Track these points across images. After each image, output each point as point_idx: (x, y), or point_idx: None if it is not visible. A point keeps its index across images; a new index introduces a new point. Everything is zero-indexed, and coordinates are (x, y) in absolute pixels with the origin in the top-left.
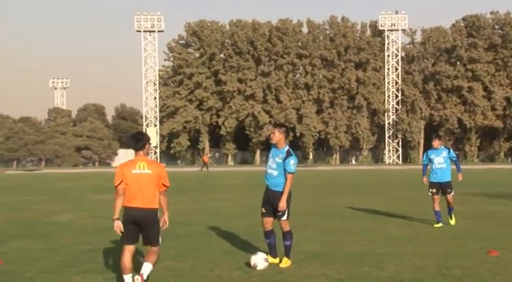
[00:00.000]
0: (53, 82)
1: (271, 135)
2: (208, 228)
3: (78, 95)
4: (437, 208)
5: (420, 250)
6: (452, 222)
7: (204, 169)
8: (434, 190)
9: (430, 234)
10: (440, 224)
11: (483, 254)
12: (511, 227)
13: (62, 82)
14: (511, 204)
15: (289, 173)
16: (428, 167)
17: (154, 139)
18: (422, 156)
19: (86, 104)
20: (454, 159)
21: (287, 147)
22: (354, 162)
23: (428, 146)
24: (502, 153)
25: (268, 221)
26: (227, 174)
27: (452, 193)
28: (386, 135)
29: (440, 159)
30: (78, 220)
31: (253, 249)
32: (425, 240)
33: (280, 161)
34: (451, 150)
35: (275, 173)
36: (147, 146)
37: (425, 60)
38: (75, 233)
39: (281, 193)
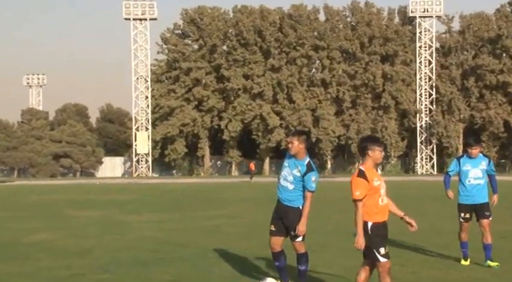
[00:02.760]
0: (28, 79)
1: (289, 146)
2: (208, 250)
3: (57, 93)
4: (465, 238)
5: (462, 276)
6: (494, 264)
7: (253, 179)
8: (467, 215)
9: (473, 258)
10: (468, 261)
11: None
12: None
13: (38, 79)
14: None
15: (309, 191)
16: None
17: (146, 145)
18: (450, 163)
19: (65, 104)
20: (493, 173)
21: (307, 159)
22: (379, 171)
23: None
24: None
25: (278, 241)
26: (230, 186)
27: (491, 218)
28: (418, 140)
29: (478, 172)
30: (58, 240)
31: (260, 274)
32: (466, 266)
33: (298, 174)
34: (491, 162)
35: (291, 186)
36: None
37: (465, 52)
38: (55, 255)
39: (296, 210)
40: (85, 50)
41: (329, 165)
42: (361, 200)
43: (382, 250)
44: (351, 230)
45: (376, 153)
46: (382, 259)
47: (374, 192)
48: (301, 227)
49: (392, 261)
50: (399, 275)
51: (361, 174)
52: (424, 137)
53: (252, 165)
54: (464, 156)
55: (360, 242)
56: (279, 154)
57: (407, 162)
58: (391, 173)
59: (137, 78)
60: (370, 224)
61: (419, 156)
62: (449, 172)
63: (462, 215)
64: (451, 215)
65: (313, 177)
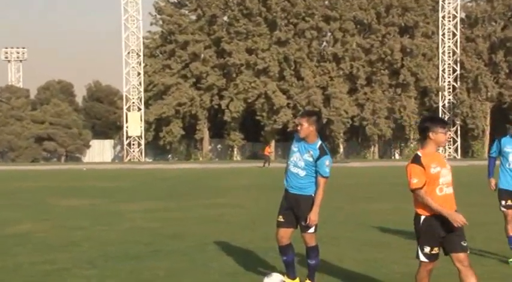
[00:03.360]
0: (6, 53)
1: (298, 128)
2: (207, 243)
3: (39, 69)
4: (511, 231)
5: (486, 270)
6: None
7: (266, 164)
8: (509, 202)
9: (500, 250)
10: None
11: None
12: None
13: (18, 53)
14: None
15: (323, 177)
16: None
17: (138, 127)
18: (491, 146)
19: (48, 82)
20: None
21: (319, 142)
22: (397, 156)
23: (498, 134)
24: None
25: (286, 233)
26: (232, 172)
27: None
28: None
29: None
30: (40, 232)
31: (265, 269)
32: (493, 258)
33: (310, 159)
34: None
35: (302, 173)
36: None
37: (493, 23)
38: (37, 249)
39: (308, 198)
40: (70, 21)
41: (341, 149)
42: (421, 188)
43: (427, 249)
44: (363, 220)
45: (439, 136)
46: (422, 258)
47: (431, 181)
48: (313, 217)
49: (410, 254)
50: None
51: (416, 160)
52: (447, 117)
53: (268, 149)
54: (508, 135)
55: (458, 218)
56: (286, 137)
57: None
58: (410, 157)
59: (128, 53)
60: (422, 218)
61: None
62: (492, 154)
63: (503, 202)
64: (478, 204)
65: (327, 161)
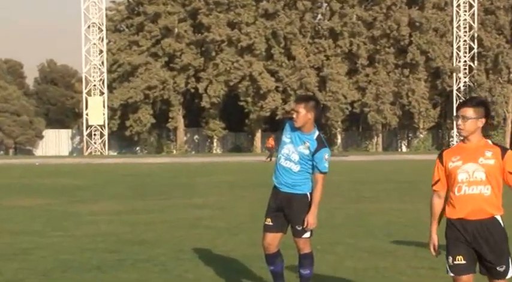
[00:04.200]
0: None
1: (294, 115)
2: (182, 250)
3: None
4: None
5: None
6: None
7: (268, 159)
8: None
9: None
10: None
11: None
12: None
13: None
14: None
15: (321, 173)
16: None
17: (101, 115)
18: None
19: None
20: None
21: (317, 132)
22: (404, 148)
23: None
24: None
25: (274, 239)
26: (212, 168)
27: None
28: (455, 107)
29: None
30: None
31: (249, 281)
32: None
33: (306, 152)
34: None
35: (296, 168)
36: None
37: None
38: None
39: (302, 197)
40: None
41: (339, 141)
42: (434, 187)
43: (450, 259)
44: (364, 223)
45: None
46: (449, 272)
47: (450, 178)
48: (311, 219)
49: (419, 263)
50: (428, 280)
51: (440, 154)
52: None
53: (271, 141)
54: None
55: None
56: (274, 126)
57: (440, 135)
58: (419, 150)
59: (88, 27)
60: (447, 221)
61: (455, 129)
62: None
63: None
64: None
65: (326, 154)
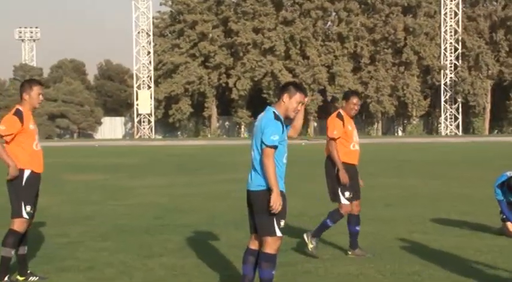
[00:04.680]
0: (20, 32)
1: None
2: (215, 217)
3: (52, 48)
4: None
5: (485, 243)
6: None
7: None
8: None
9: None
10: None
11: None
12: None
13: (31, 32)
14: None
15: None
16: None
17: (148, 105)
18: (495, 190)
19: (61, 60)
20: None
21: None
22: (400, 133)
23: (496, 116)
24: None
25: None
26: (240, 149)
27: None
28: (443, 99)
29: None
30: (54, 206)
31: None
32: (492, 233)
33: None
34: None
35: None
36: None
37: (494, 2)
38: (50, 223)
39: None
40: (82, 3)
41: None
42: None
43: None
44: (367, 194)
45: None
46: None
47: None
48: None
49: (413, 228)
50: (420, 243)
51: None
52: (448, 95)
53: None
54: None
55: None
56: None
57: (430, 122)
58: (412, 134)
59: (138, 32)
60: None
61: (443, 116)
62: (498, 198)
63: None
64: (478, 179)
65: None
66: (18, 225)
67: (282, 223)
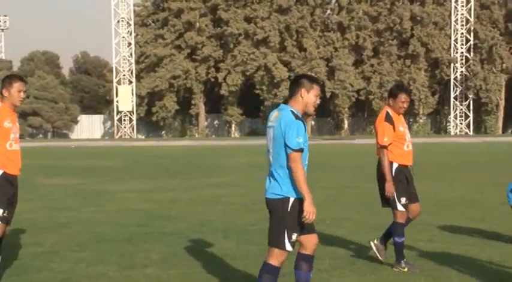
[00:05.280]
0: None
1: (406, 105)
2: (204, 224)
3: (22, 39)
4: None
5: (498, 252)
6: None
7: None
8: None
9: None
10: None
11: None
12: None
13: None
14: None
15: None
16: None
17: (129, 102)
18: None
19: (32, 52)
20: None
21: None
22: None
23: (511, 114)
24: None
25: None
26: (230, 150)
27: None
28: (452, 95)
29: None
30: (27, 212)
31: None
32: (504, 241)
33: None
34: None
35: None
36: None
37: None
38: (24, 230)
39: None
40: None
41: (346, 125)
42: None
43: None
44: (370, 201)
45: None
46: None
47: None
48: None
49: (418, 236)
50: (426, 252)
51: None
52: (459, 91)
53: None
54: None
55: None
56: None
57: (438, 121)
58: (419, 133)
59: (118, 22)
60: None
61: (452, 114)
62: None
63: None
64: (490, 183)
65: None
66: None
67: (294, 237)
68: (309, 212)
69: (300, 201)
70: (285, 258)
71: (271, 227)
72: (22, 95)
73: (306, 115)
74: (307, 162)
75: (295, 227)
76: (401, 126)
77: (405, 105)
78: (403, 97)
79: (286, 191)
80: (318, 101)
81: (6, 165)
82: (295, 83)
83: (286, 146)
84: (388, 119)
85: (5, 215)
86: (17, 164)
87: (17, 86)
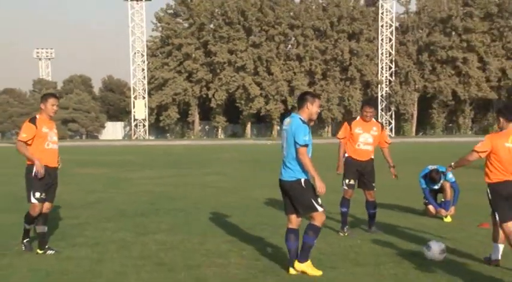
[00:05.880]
0: (37, 52)
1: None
2: (199, 202)
3: (64, 66)
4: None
5: (411, 222)
6: None
7: None
8: None
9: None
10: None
11: (475, 227)
12: None
13: (47, 52)
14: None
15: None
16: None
17: (143, 112)
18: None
19: (71, 76)
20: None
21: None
22: None
23: (421, 121)
24: (496, 126)
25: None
26: (218, 148)
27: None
28: (380, 107)
29: None
30: (65, 194)
31: (243, 222)
32: (417, 214)
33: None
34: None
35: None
36: None
37: (420, 31)
38: (63, 207)
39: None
40: (89, 28)
41: None
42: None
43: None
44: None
45: None
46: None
47: None
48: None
49: (355, 210)
50: (360, 220)
51: None
52: (384, 104)
53: None
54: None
55: None
56: (259, 119)
57: None
58: None
59: (135, 53)
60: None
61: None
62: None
63: None
64: (408, 171)
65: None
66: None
67: (319, 200)
68: (320, 186)
69: (308, 181)
70: (323, 218)
71: (298, 203)
72: (55, 108)
73: (310, 121)
74: (310, 155)
75: (316, 195)
76: (359, 129)
77: (369, 115)
78: (366, 109)
79: (298, 174)
80: (319, 111)
81: (44, 160)
82: (302, 99)
83: (295, 142)
84: (350, 122)
85: (42, 196)
86: (54, 159)
87: (51, 101)
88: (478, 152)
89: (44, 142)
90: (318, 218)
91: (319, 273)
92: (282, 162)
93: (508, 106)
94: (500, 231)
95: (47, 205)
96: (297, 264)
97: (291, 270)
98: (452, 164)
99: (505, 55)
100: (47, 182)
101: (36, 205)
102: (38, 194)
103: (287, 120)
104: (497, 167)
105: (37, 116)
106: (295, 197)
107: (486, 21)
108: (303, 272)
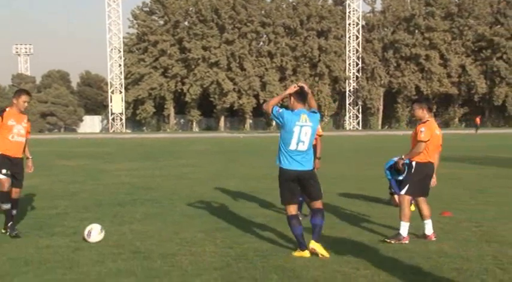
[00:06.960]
0: (16, 48)
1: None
2: (174, 193)
3: (42, 61)
4: None
5: (377, 211)
6: None
7: (478, 131)
8: None
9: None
10: None
11: (437, 215)
12: (463, 188)
13: (26, 48)
14: (464, 167)
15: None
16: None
17: (120, 106)
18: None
19: (50, 71)
20: None
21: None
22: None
23: (387, 115)
24: (457, 119)
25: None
26: (192, 141)
27: None
28: (347, 102)
29: None
30: (45, 185)
31: (218, 213)
32: (382, 203)
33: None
34: None
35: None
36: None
37: (385, 29)
38: (42, 198)
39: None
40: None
41: (274, 123)
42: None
43: None
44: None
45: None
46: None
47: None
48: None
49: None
50: (326, 209)
51: None
52: (351, 99)
53: (478, 119)
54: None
55: None
56: (232, 113)
57: (337, 120)
58: (324, 129)
59: (111, 49)
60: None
61: (347, 115)
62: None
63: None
64: (373, 163)
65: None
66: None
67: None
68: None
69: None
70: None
71: (315, 187)
72: (26, 104)
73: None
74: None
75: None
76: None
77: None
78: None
79: (313, 165)
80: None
81: (8, 150)
82: (303, 94)
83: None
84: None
85: (8, 172)
86: (18, 151)
87: (23, 97)
88: (425, 141)
89: (9, 134)
90: (320, 201)
91: (328, 255)
92: (297, 156)
93: (428, 98)
94: (423, 208)
95: (16, 190)
96: (314, 243)
97: (305, 253)
98: (403, 156)
99: (464, 52)
100: (10, 168)
101: (4, 180)
102: (4, 171)
103: (302, 115)
104: (426, 151)
105: (7, 109)
106: (315, 183)
107: (447, 20)
108: (314, 251)
